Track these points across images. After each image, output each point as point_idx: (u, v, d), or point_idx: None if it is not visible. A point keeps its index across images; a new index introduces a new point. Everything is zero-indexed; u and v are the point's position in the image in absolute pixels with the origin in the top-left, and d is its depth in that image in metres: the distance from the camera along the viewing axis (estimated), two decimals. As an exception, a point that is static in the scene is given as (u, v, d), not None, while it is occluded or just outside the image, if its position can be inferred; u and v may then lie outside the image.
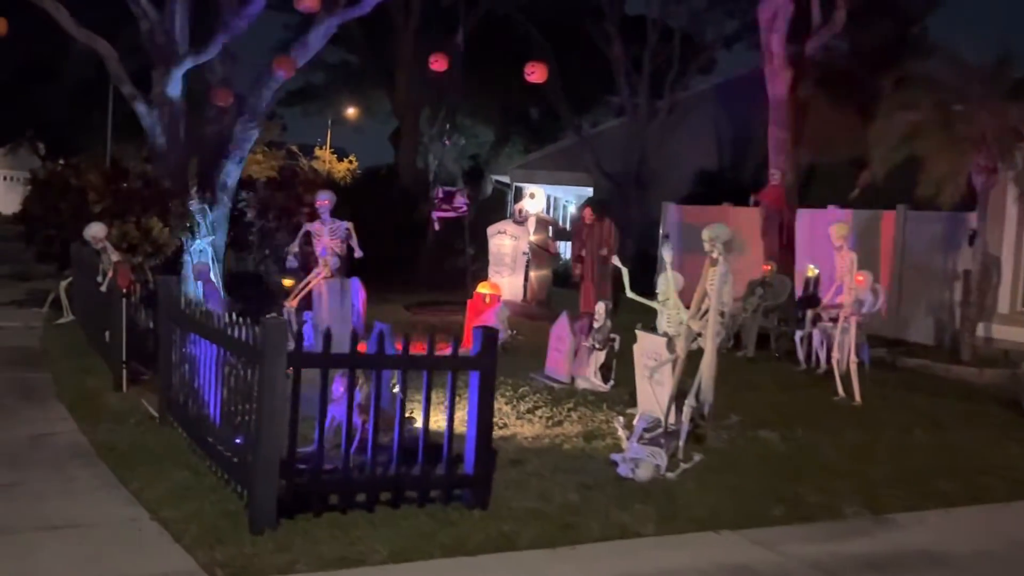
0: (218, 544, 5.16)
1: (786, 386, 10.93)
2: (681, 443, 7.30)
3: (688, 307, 7.80)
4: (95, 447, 7.00)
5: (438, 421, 6.61)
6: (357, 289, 10.76)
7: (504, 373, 8.62)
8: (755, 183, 18.50)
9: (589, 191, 26.52)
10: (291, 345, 5.56)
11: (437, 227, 18.27)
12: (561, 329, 10.40)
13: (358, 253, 10.93)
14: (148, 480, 6.17)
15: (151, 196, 13.66)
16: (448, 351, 6.10)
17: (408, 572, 5.03)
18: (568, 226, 24.26)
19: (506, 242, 16.23)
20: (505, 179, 30.16)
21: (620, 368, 9.86)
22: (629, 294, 8.48)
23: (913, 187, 12.94)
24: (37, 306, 14.03)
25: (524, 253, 16.11)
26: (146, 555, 5.09)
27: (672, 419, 7.49)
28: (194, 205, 13.85)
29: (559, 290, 17.26)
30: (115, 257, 10.89)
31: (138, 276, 11.26)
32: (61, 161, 16.86)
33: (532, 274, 16.19)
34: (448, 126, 24.80)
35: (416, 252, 19.78)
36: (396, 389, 6.35)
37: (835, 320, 10.81)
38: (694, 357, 7.69)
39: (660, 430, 7.35)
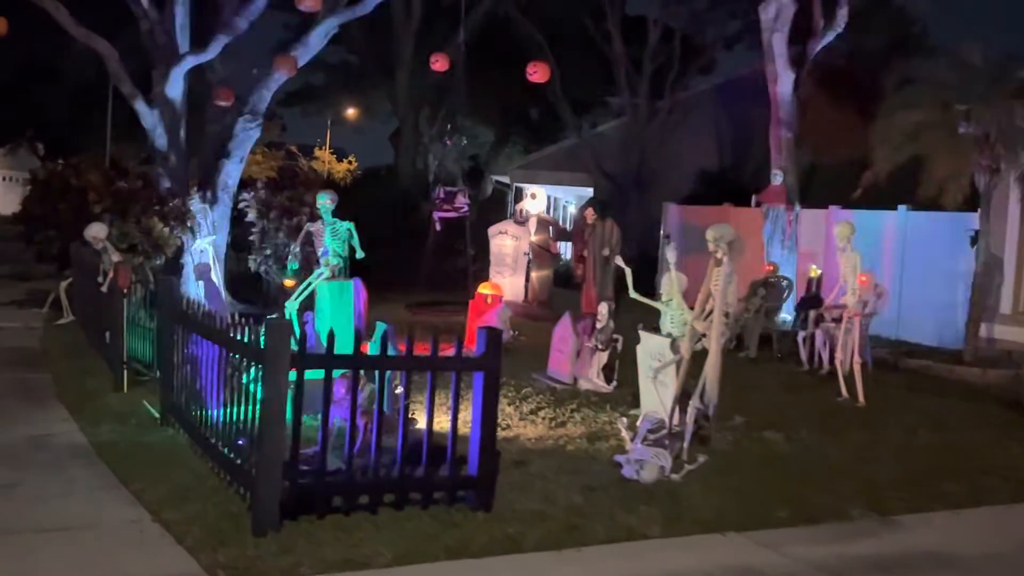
0: (220, 546, 5.12)
1: (789, 387, 10.90)
2: (685, 444, 7.26)
3: (691, 307, 7.76)
4: (96, 448, 6.98)
5: (441, 422, 6.58)
6: (359, 290, 10.70)
7: (506, 374, 8.56)
8: (755, 183, 18.48)
9: (589, 191, 26.51)
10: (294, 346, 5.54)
11: (438, 227, 18.25)
12: (564, 330, 10.37)
13: (359, 254, 10.89)
14: (149, 481, 6.13)
15: (151, 196, 13.63)
16: (451, 352, 6.06)
17: (413, 575, 4.99)
18: (569, 226, 24.26)
19: (507, 242, 16.22)
20: (505, 179, 30.16)
21: (623, 369, 9.82)
22: (632, 294, 8.45)
23: (915, 187, 12.92)
24: (37, 306, 14.00)
25: (525, 254, 16.10)
26: (148, 557, 5.06)
27: (676, 420, 7.46)
28: (195, 205, 13.81)
29: (560, 290, 17.24)
30: (115, 257, 10.85)
31: (139, 276, 11.23)
32: (61, 161, 16.80)
33: (533, 274, 16.18)
34: (449, 126, 24.77)
35: (417, 252, 19.75)
36: (399, 390, 6.32)
37: (837, 320, 10.79)
38: (697, 358, 7.66)
39: (664, 431, 7.31)
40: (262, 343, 5.49)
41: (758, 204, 16.89)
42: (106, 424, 7.60)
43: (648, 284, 10.46)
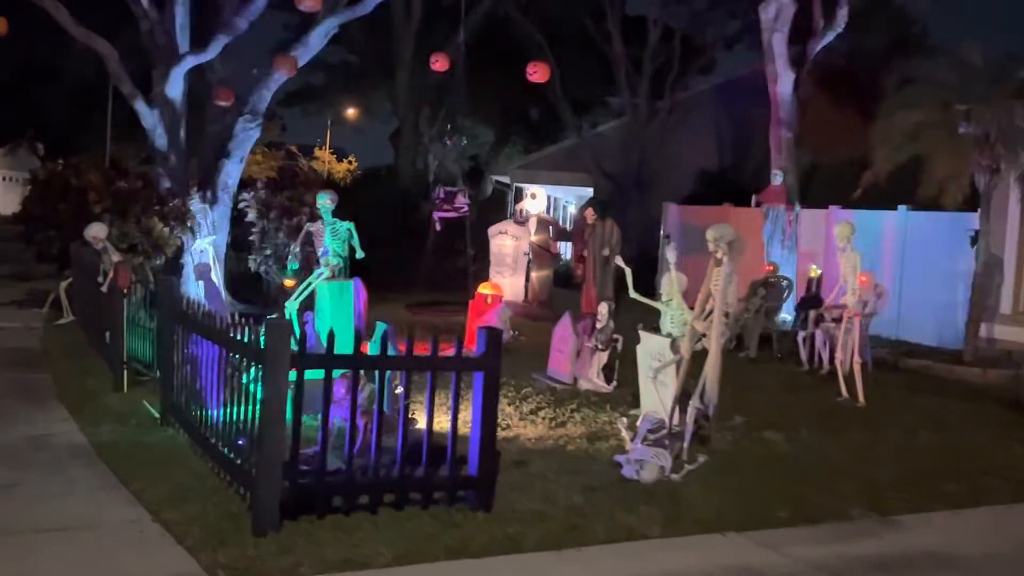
0: (221, 546, 5.12)
1: (789, 387, 10.90)
2: (685, 444, 7.26)
3: (691, 307, 7.75)
4: (96, 448, 6.97)
5: (441, 422, 6.58)
6: (359, 290, 10.70)
7: (506, 374, 8.56)
8: (756, 183, 18.48)
9: (589, 191, 26.52)
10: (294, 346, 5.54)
11: (438, 227, 18.25)
12: (564, 330, 10.37)
13: (359, 254, 10.89)
14: (149, 481, 6.13)
15: (151, 196, 13.63)
16: (451, 352, 6.06)
17: (413, 575, 4.99)
18: (569, 227, 24.25)
19: (507, 242, 16.22)
20: (505, 179, 30.16)
21: (623, 369, 9.82)
22: (632, 294, 8.45)
23: (915, 187, 12.92)
24: (37, 306, 13.99)
25: (525, 254, 16.10)
26: (148, 557, 5.05)
27: (676, 420, 7.45)
28: (195, 205, 13.81)
29: (560, 290, 17.24)
30: (116, 257, 10.85)
31: (139, 276, 11.23)
32: (60, 161, 16.81)
33: (533, 275, 16.18)
34: (449, 126, 24.78)
35: (417, 252, 19.75)
36: (399, 390, 6.31)
37: (837, 320, 10.79)
38: (697, 358, 7.66)
39: (664, 431, 7.31)
40: (262, 343, 5.49)
41: (758, 204, 16.89)
42: (106, 424, 7.59)
43: (648, 284, 10.46)
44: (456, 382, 5.95)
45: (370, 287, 10.56)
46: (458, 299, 14.95)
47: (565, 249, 22.09)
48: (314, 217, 11.82)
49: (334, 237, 9.98)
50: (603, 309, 10.24)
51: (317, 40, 14.61)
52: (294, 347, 5.59)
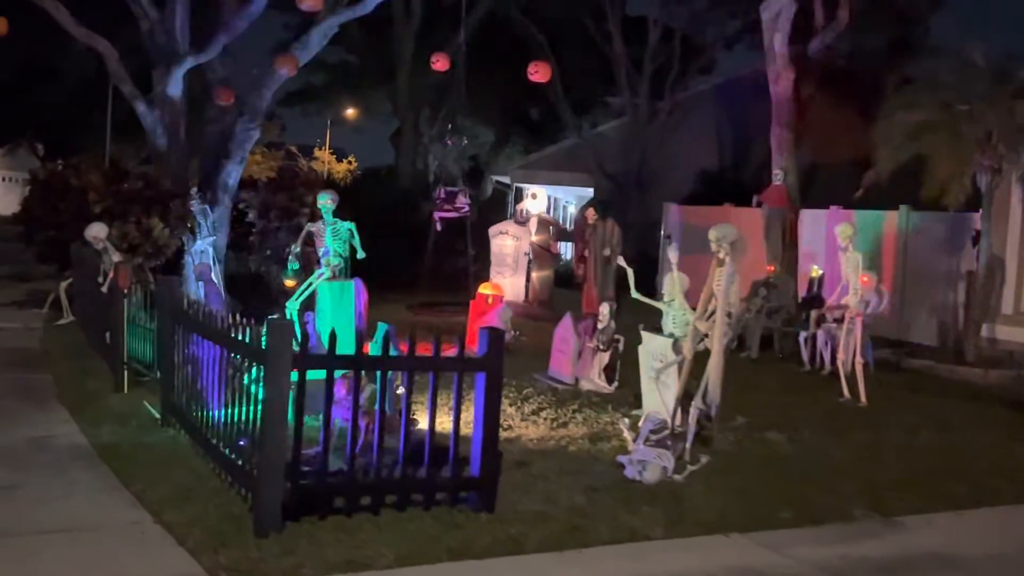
0: (222, 548, 5.10)
1: (791, 387, 10.89)
2: (688, 445, 7.24)
3: (693, 308, 7.74)
4: (97, 449, 6.95)
5: (443, 423, 6.56)
6: (359, 290, 10.68)
7: (507, 374, 8.50)
8: (756, 183, 18.46)
9: (589, 192, 26.51)
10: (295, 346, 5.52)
11: (439, 227, 18.23)
12: (565, 330, 10.35)
13: (360, 254, 10.88)
14: (150, 482, 6.12)
15: (152, 196, 13.60)
16: (453, 352, 6.05)
17: (415, 576, 4.98)
18: (569, 227, 24.25)
19: (508, 243, 16.20)
20: (505, 180, 30.15)
21: (624, 369, 9.80)
22: (634, 294, 8.43)
23: (917, 187, 12.90)
24: (37, 307, 13.97)
25: (526, 254, 16.08)
26: (150, 558, 5.04)
27: (678, 421, 7.44)
28: (195, 205, 13.78)
29: (561, 291, 17.22)
30: (116, 258, 10.84)
31: (139, 276, 11.21)
32: (60, 161, 16.79)
33: (534, 275, 16.17)
34: (450, 126, 24.76)
35: (417, 253, 19.73)
36: (400, 390, 6.29)
37: (839, 321, 10.77)
38: (699, 358, 7.64)
39: (666, 432, 7.30)
40: (263, 343, 5.48)
41: (759, 204, 16.86)
42: (107, 425, 7.57)
43: (648, 284, 10.44)
44: (458, 383, 5.93)
45: (371, 287, 10.54)
46: (459, 299, 14.93)
47: (566, 249, 22.08)
48: (315, 217, 11.81)
49: (335, 237, 9.96)
50: (604, 309, 10.23)
51: (317, 40, 14.58)
52: (295, 347, 5.57)
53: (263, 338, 5.50)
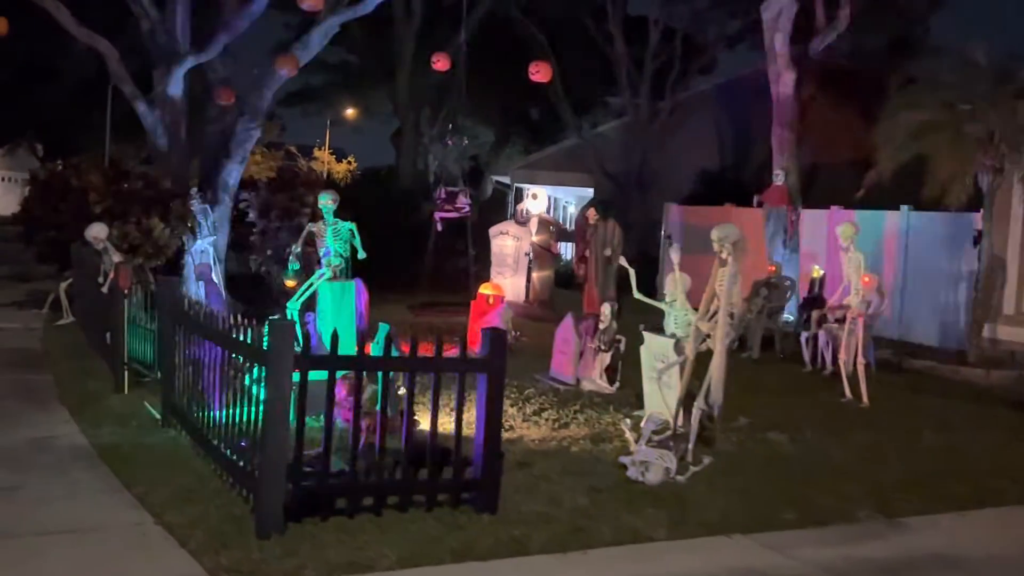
0: (224, 549, 5.09)
1: (792, 388, 10.87)
2: (690, 446, 7.23)
3: (695, 308, 7.72)
4: (97, 450, 6.94)
5: (445, 424, 6.53)
6: (360, 290, 10.67)
7: (509, 375, 8.50)
8: (757, 183, 18.44)
9: (590, 192, 26.49)
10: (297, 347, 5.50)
11: (440, 227, 18.21)
12: (566, 330, 10.33)
13: (361, 254, 10.87)
14: (151, 483, 6.10)
15: (152, 196, 13.59)
16: (455, 353, 6.03)
17: (417, 578, 4.96)
18: (570, 227, 24.23)
19: (508, 243, 16.19)
20: (505, 180, 30.12)
21: (626, 370, 9.79)
22: (636, 295, 8.42)
23: (918, 187, 12.89)
24: (37, 307, 13.95)
25: (526, 254, 16.06)
26: (151, 560, 5.02)
27: (680, 422, 7.42)
28: (196, 205, 13.76)
29: (561, 291, 17.20)
30: (116, 258, 10.82)
31: (139, 277, 11.19)
32: (60, 162, 16.78)
33: (534, 275, 16.15)
34: (451, 126, 24.74)
35: (418, 253, 19.71)
36: (402, 391, 6.28)
37: (840, 321, 10.75)
38: (700, 359, 7.62)
39: (669, 432, 7.28)
40: (265, 344, 5.46)
41: (760, 204, 16.85)
42: (107, 426, 7.56)
43: (649, 284, 10.43)
44: (460, 383, 5.91)
45: (371, 288, 10.53)
46: (460, 300, 14.92)
47: (566, 249, 22.05)
48: (315, 217, 11.79)
49: (336, 237, 9.94)
50: (606, 310, 10.21)
51: (318, 40, 14.57)
52: (297, 348, 5.55)
53: (265, 339, 5.48)
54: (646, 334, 8.25)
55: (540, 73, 15.12)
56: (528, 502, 6.04)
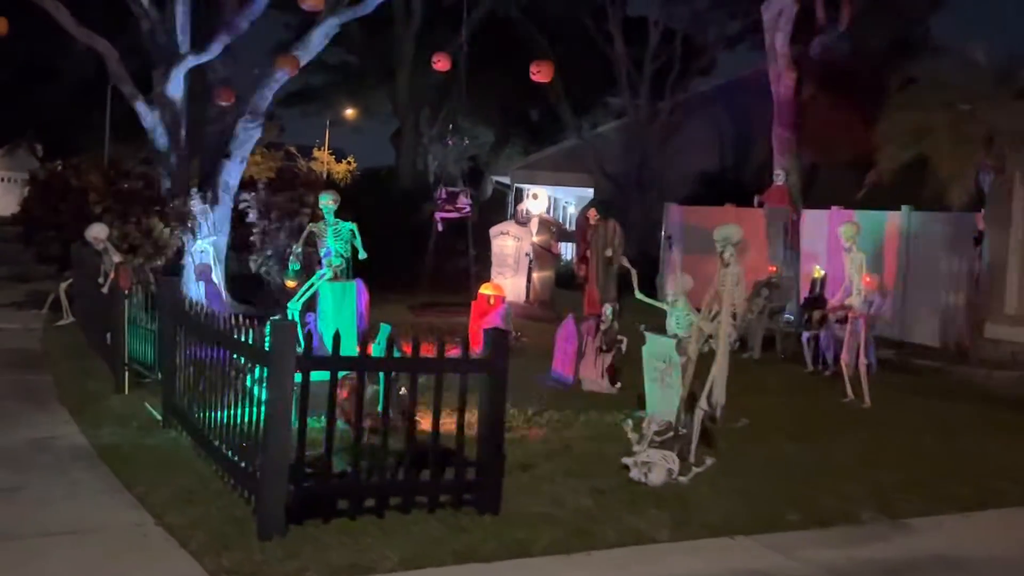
0: (225, 550, 5.07)
1: (794, 388, 10.86)
2: (693, 447, 7.20)
3: (697, 308, 7.70)
4: (98, 450, 6.92)
5: (447, 425, 6.51)
6: (360, 291, 10.66)
7: (509, 376, 8.53)
8: (756, 184, 18.42)
9: (590, 192, 26.47)
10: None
11: (440, 228, 18.19)
12: (568, 331, 10.31)
13: (362, 254, 10.87)
14: (152, 484, 6.08)
15: (152, 197, 13.57)
16: (457, 353, 6.00)
17: (420, 580, 4.94)
18: (570, 227, 24.21)
19: (509, 243, 16.16)
20: (505, 180, 30.10)
21: (628, 370, 9.76)
22: (638, 295, 8.40)
23: (919, 187, 12.88)
24: (37, 308, 13.92)
25: (527, 254, 16.04)
26: (152, 561, 5.00)
27: (683, 422, 7.40)
28: (196, 206, 13.75)
29: (562, 291, 17.18)
30: (117, 258, 10.80)
31: (140, 277, 11.17)
32: (59, 162, 16.76)
33: (535, 275, 16.12)
34: (451, 126, 24.73)
35: (418, 253, 19.70)
36: (403, 391, 6.25)
37: (842, 321, 10.73)
38: (702, 359, 7.60)
39: (671, 434, 7.26)
40: (267, 345, 5.44)
41: (760, 204, 16.82)
42: (108, 426, 7.54)
43: (648, 285, 10.40)
44: (463, 384, 5.88)
45: (371, 288, 10.52)
46: (460, 300, 14.89)
47: (567, 250, 22.02)
48: (316, 217, 11.78)
49: (336, 238, 9.94)
50: (607, 310, 10.19)
51: (318, 40, 14.55)
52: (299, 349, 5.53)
53: (266, 339, 5.46)
54: (648, 335, 8.23)
55: (541, 73, 15.08)
56: (531, 503, 6.02)
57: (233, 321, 6.15)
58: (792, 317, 14.06)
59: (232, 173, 14.34)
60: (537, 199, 17.45)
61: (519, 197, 25.89)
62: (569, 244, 21.99)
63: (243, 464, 5.79)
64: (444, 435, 6.05)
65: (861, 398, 9.94)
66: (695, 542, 5.71)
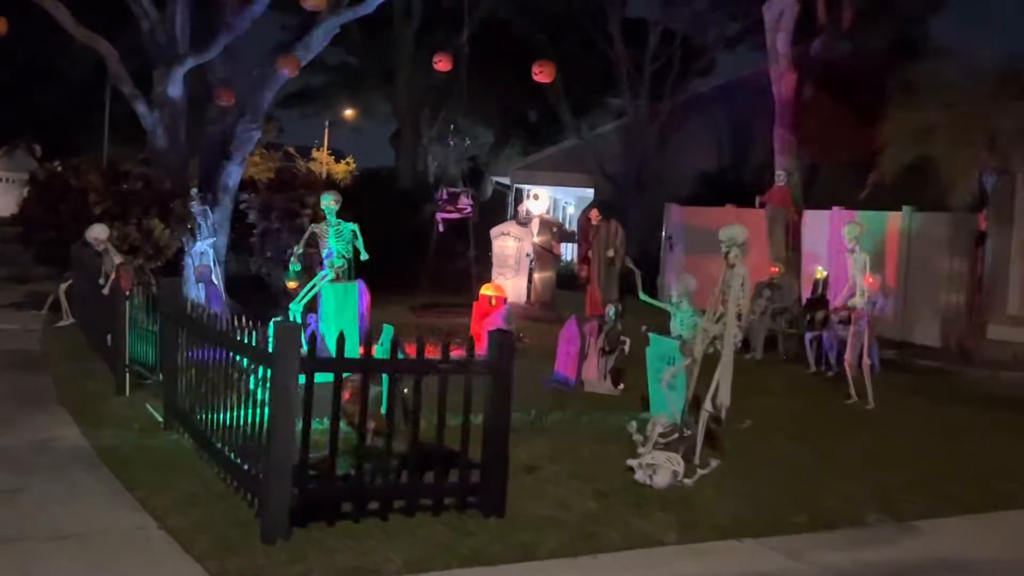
0: (229, 554, 5.03)
1: (797, 389, 10.83)
2: (698, 448, 7.16)
3: (700, 309, 7.66)
4: (99, 452, 6.88)
5: (451, 427, 6.47)
6: (362, 292, 10.62)
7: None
8: (757, 184, 18.39)
9: (590, 192, 26.45)
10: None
11: (441, 228, 18.15)
12: (570, 332, 10.27)
13: (363, 255, 10.83)
14: (154, 487, 6.04)
15: (152, 197, 13.53)
16: (462, 355, 5.97)
17: (425, 583, 4.91)
18: (571, 227, 24.18)
19: (510, 244, 16.13)
20: (505, 180, 30.09)
21: (630, 371, 9.73)
22: (641, 296, 8.37)
23: (920, 187, 12.86)
24: (36, 308, 13.88)
25: (528, 255, 16.00)
26: (155, 564, 4.97)
27: (687, 424, 7.36)
28: (195, 206, 13.70)
29: (563, 292, 17.15)
30: (117, 259, 10.74)
31: (140, 278, 11.12)
32: (58, 162, 16.70)
33: (536, 276, 16.08)
34: (452, 127, 24.69)
35: (419, 254, 19.66)
36: (405, 391, 6.21)
37: (845, 322, 10.70)
38: (705, 360, 7.56)
39: (676, 435, 7.21)
40: (270, 346, 5.40)
41: (762, 205, 16.79)
42: (109, 428, 7.49)
43: (650, 285, 10.37)
44: (468, 386, 5.84)
45: (372, 289, 10.48)
46: (461, 301, 14.86)
47: (568, 250, 21.99)
48: (317, 218, 11.75)
49: (338, 238, 9.90)
50: (610, 311, 10.16)
51: (318, 40, 14.51)
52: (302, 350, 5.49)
53: (269, 341, 5.42)
54: (652, 336, 8.19)
55: (543, 73, 15.03)
56: (536, 506, 5.98)
57: (236, 322, 6.11)
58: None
59: (232, 174, 14.29)
60: (538, 200, 17.40)
61: (519, 198, 25.87)
62: (570, 245, 21.96)
63: (246, 466, 5.74)
64: (448, 437, 6.02)
65: (865, 399, 9.91)
66: (702, 545, 5.67)
